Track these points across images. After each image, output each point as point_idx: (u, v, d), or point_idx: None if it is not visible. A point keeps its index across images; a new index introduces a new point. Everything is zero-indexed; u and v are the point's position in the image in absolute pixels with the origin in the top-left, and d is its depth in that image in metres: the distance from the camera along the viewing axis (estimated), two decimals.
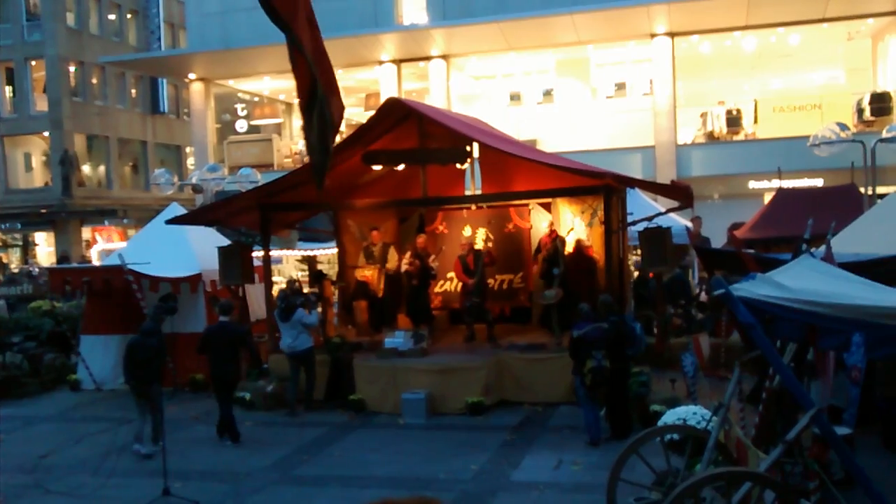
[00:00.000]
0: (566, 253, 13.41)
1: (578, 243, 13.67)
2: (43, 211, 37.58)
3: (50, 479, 9.60)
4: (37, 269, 27.69)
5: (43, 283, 21.64)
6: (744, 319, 5.51)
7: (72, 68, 39.27)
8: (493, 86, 27.35)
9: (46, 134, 38.71)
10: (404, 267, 14.15)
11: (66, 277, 14.86)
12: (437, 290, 15.05)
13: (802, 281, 5.94)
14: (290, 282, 14.67)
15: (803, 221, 8.25)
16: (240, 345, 11.07)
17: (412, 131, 13.65)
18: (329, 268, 17.95)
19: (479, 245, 14.46)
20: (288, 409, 12.39)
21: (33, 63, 38.77)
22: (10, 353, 15.64)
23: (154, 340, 10.54)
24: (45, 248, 40.09)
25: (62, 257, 32.12)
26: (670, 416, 9.42)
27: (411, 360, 12.43)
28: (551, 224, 14.05)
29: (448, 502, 8.12)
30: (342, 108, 3.49)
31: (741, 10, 22.34)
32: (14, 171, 39.84)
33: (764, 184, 22.82)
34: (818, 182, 21.67)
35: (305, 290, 14.58)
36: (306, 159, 24.01)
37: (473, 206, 15.23)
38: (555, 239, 13.43)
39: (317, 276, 15.57)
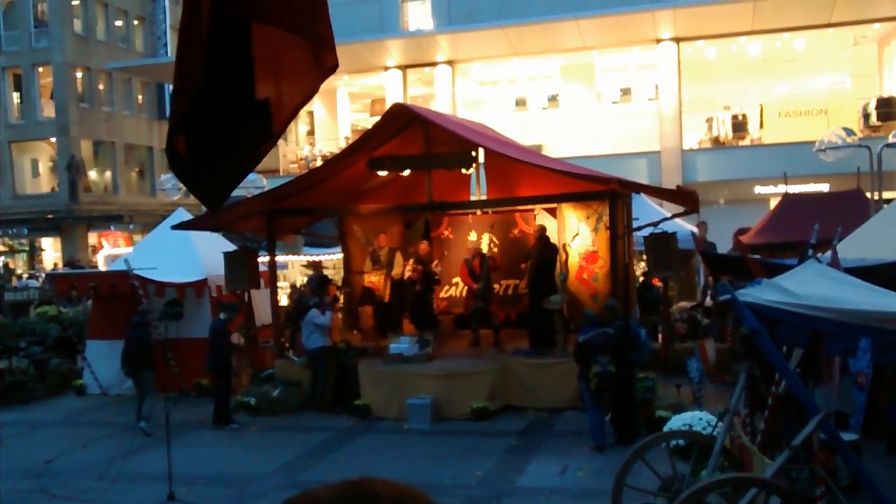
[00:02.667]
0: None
1: (543, 235, 13.59)
2: (49, 216, 37.68)
3: (55, 484, 9.62)
4: (43, 275, 27.77)
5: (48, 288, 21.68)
6: (750, 325, 5.50)
7: (79, 74, 39.42)
8: (499, 91, 27.37)
9: (53, 140, 38.84)
10: (407, 274, 14.14)
11: (73, 283, 14.90)
12: (442, 294, 15.05)
13: (808, 286, 5.93)
14: (298, 288, 14.73)
15: (809, 227, 8.24)
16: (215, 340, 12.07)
17: (417, 137, 13.66)
18: (334, 273, 17.96)
19: (485, 250, 14.46)
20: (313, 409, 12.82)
21: (40, 69, 38.92)
22: (17, 357, 15.68)
23: (139, 332, 11.95)
24: (51, 254, 40.19)
25: (69, 262, 32.20)
26: (676, 422, 9.40)
27: (416, 365, 12.43)
28: (539, 229, 13.76)
29: None
30: (295, 106, 3.04)
31: (747, 16, 22.33)
32: (21, 176, 39.97)
33: (770, 189, 22.79)
34: (824, 187, 21.61)
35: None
36: (312, 164, 24.11)
37: (479, 212, 15.23)
38: (545, 243, 13.34)
39: (322, 282, 15.58)
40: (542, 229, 13.66)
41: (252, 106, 2.75)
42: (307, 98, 2.97)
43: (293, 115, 2.94)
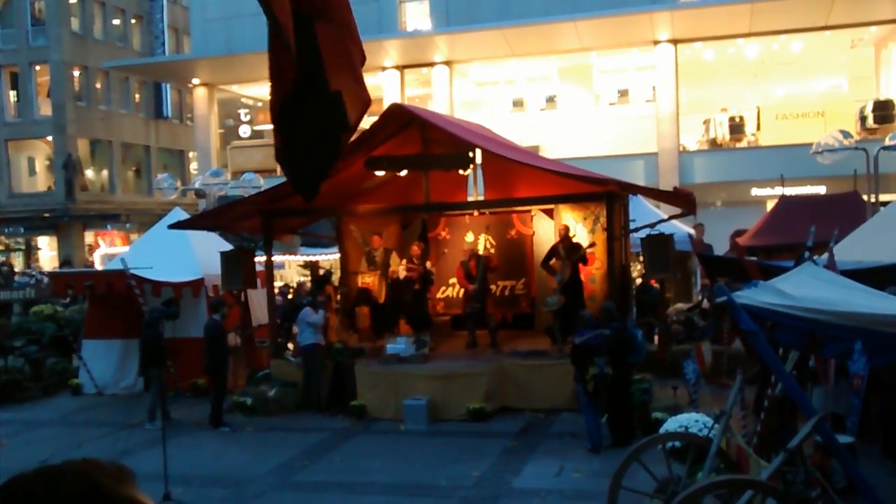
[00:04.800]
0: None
1: (569, 235, 13.47)
2: (46, 215, 37.61)
3: None
4: (39, 273, 27.66)
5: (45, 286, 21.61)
6: (746, 327, 5.50)
7: (76, 73, 39.36)
8: (496, 92, 27.37)
9: (50, 138, 38.77)
10: (403, 274, 14.12)
11: (69, 282, 14.87)
12: (439, 295, 15.05)
13: (805, 288, 5.93)
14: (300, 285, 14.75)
15: (806, 229, 8.25)
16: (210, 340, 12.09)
17: (415, 137, 13.66)
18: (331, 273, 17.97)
19: (482, 251, 14.45)
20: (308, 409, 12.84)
21: (38, 68, 38.83)
22: (12, 356, 15.64)
23: (148, 332, 12.14)
24: (47, 252, 40.12)
25: (65, 261, 32.14)
26: (672, 424, 9.40)
27: (413, 366, 12.42)
28: (564, 228, 13.53)
29: None
30: (364, 105, 3.26)
31: (744, 18, 22.35)
32: (18, 175, 39.88)
33: (767, 191, 22.81)
34: (821, 189, 21.64)
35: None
36: None
37: (476, 212, 15.23)
38: (571, 243, 13.24)
39: (320, 282, 15.58)
40: (567, 229, 13.47)
41: (328, 98, 2.88)
42: (367, 95, 3.11)
43: (365, 106, 3.09)
